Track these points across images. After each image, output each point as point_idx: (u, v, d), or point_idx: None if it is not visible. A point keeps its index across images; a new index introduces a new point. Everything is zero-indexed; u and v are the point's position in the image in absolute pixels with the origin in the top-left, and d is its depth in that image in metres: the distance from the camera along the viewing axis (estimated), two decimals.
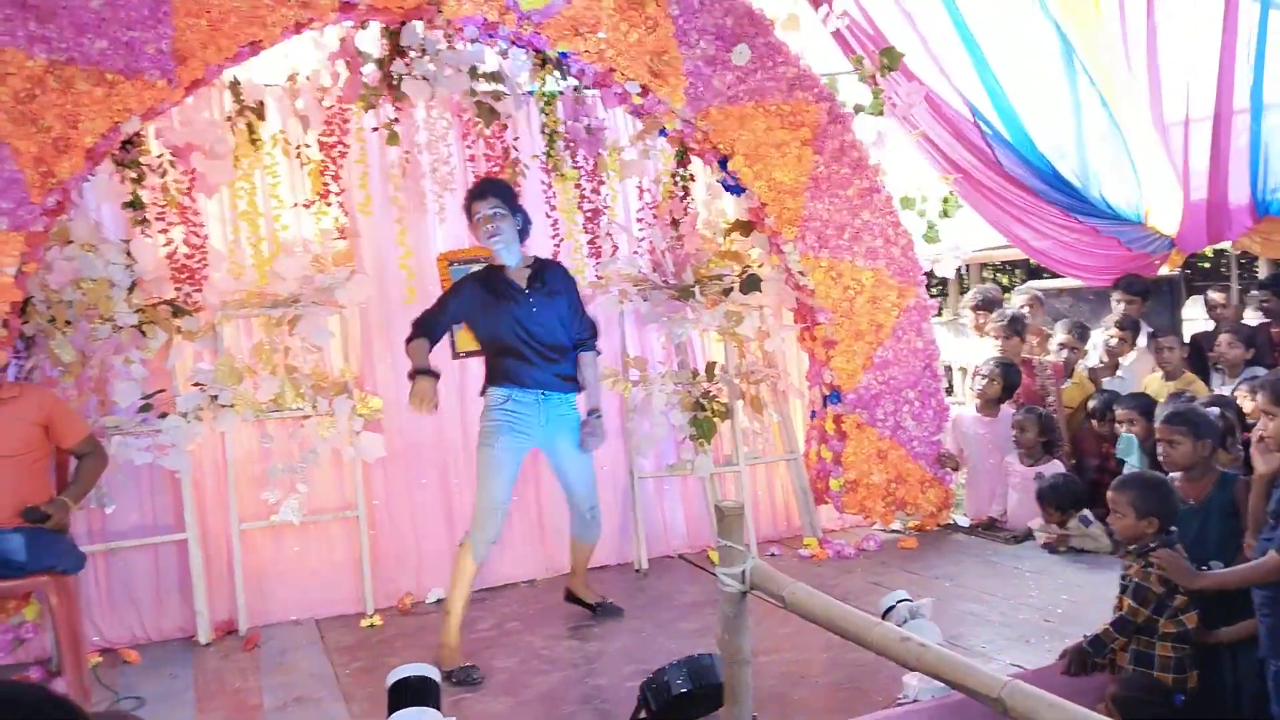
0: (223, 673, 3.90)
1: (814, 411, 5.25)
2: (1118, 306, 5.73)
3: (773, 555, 5.00)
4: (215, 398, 4.22)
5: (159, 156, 4.24)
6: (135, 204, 4.19)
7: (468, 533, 3.82)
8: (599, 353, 4.08)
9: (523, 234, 3.93)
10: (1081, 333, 5.60)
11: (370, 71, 4.41)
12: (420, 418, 4.61)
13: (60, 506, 3.54)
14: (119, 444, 4.08)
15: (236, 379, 4.27)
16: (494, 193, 3.84)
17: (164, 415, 4.16)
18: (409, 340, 3.84)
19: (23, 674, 3.79)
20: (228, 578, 4.35)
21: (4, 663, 3.81)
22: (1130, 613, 2.99)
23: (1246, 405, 4.09)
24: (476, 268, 4.38)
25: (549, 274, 3.94)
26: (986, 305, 6.05)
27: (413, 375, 3.70)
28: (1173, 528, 3.10)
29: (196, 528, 4.26)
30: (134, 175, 4.18)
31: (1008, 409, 5.36)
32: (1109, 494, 3.21)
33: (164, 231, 4.27)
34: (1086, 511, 4.61)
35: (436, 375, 3.73)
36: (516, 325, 3.81)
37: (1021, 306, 6.10)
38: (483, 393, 3.95)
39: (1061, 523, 4.65)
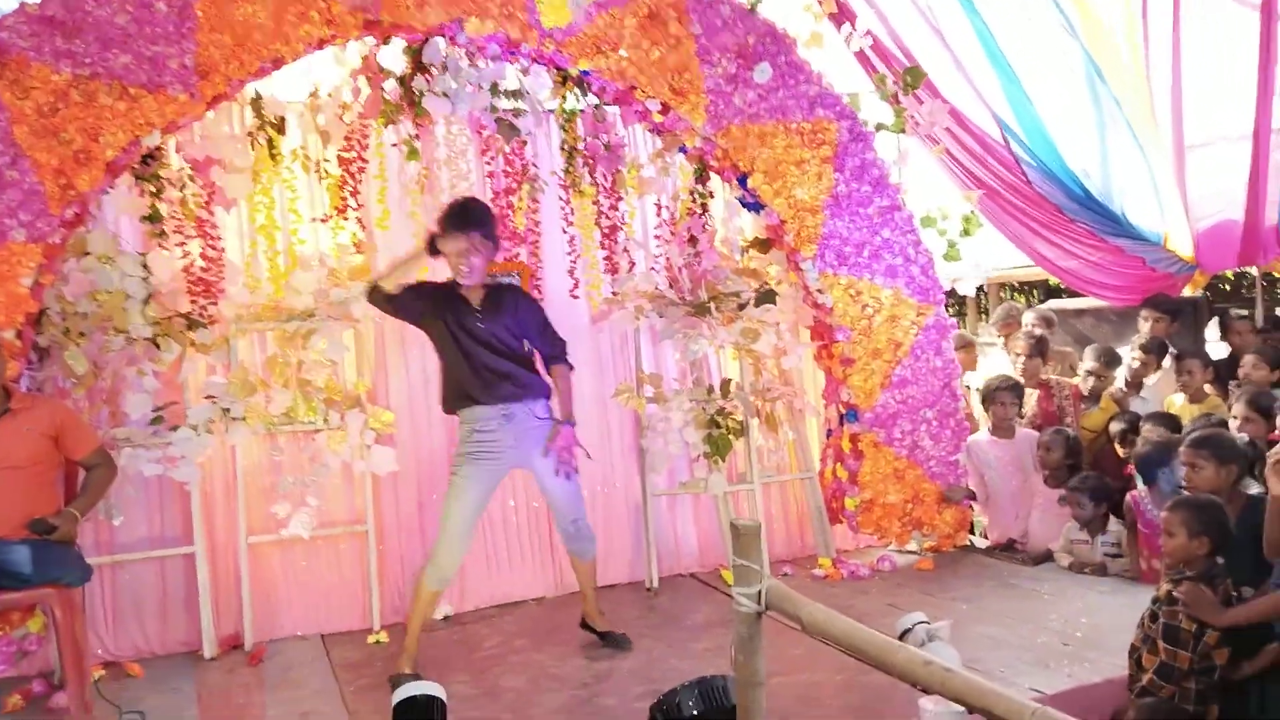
0: (227, 688, 3.86)
1: (830, 430, 5.20)
2: (1144, 325, 5.66)
3: (786, 575, 4.94)
4: (227, 410, 4.21)
5: (179, 170, 4.25)
6: (153, 217, 4.19)
7: (428, 559, 3.85)
8: (571, 367, 4.03)
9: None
10: (1110, 359, 5.51)
11: (391, 88, 4.41)
12: (431, 434, 4.63)
13: (68, 518, 3.51)
14: (129, 456, 4.06)
15: (249, 392, 4.25)
16: (477, 225, 3.78)
17: (175, 428, 4.14)
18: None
19: (25, 687, 3.77)
20: (234, 592, 4.32)
21: (7, 675, 3.79)
22: (1170, 657, 2.92)
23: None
24: (505, 281, 4.42)
25: (503, 296, 3.96)
26: (1046, 323, 6.10)
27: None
28: (1219, 558, 3.03)
29: (204, 541, 4.24)
30: (153, 189, 4.18)
31: (1023, 430, 5.31)
32: (1162, 515, 3.16)
33: (181, 245, 4.27)
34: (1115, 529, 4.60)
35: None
36: (463, 334, 3.83)
37: (1033, 326, 6.06)
38: (447, 409, 3.97)
39: (1090, 520, 4.63)
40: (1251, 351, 5.00)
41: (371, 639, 4.30)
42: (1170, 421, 4.64)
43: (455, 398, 3.90)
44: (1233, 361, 5.28)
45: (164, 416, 4.16)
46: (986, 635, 3.89)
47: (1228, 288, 10.27)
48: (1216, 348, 5.87)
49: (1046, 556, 4.84)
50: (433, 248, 3.85)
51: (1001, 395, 5.26)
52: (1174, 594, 2.96)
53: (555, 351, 3.98)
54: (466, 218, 3.79)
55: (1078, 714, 1.64)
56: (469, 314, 3.86)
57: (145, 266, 4.16)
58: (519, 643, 4.21)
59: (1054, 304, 7.03)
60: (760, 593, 2.23)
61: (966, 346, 6.06)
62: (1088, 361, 5.57)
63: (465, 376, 3.84)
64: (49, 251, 3.80)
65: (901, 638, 3.13)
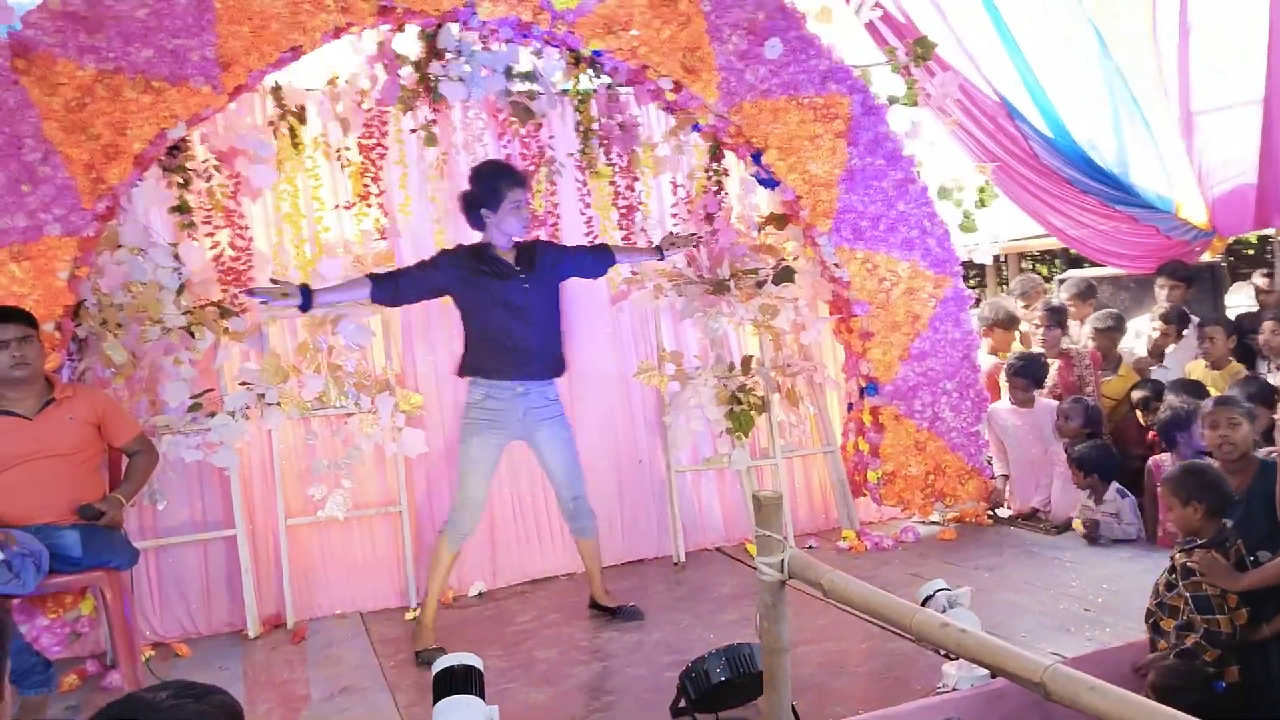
0: (271, 665, 3.99)
1: (851, 404, 5.25)
2: (1161, 293, 5.66)
3: (810, 548, 5.01)
4: (262, 396, 4.32)
5: (204, 161, 4.35)
6: (182, 208, 4.29)
7: (445, 522, 4.00)
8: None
9: None
10: (1116, 323, 5.53)
11: (408, 74, 4.48)
12: (459, 415, 4.72)
13: (114, 503, 3.63)
14: (169, 442, 4.19)
15: (282, 378, 4.36)
16: (528, 184, 4.04)
17: (212, 414, 4.26)
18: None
19: (80, 667, 3.91)
20: (275, 572, 4.45)
21: (61, 656, 3.92)
22: (1211, 625, 2.94)
23: None
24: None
25: (536, 255, 3.99)
26: (1084, 293, 6.01)
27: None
28: (1226, 520, 3.06)
29: (245, 524, 4.36)
30: (180, 180, 4.28)
31: (1043, 399, 5.34)
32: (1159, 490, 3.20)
33: (210, 235, 4.37)
34: (1118, 489, 4.64)
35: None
36: (507, 302, 3.85)
37: (1055, 296, 6.07)
38: (460, 373, 4.01)
39: (1091, 488, 4.67)
40: (1270, 317, 5.01)
41: (409, 616, 4.42)
42: (1194, 388, 4.66)
43: (474, 366, 3.94)
44: (1257, 323, 5.29)
45: (202, 404, 4.28)
46: (1008, 602, 3.96)
47: (1251, 252, 10.19)
48: (1238, 313, 5.86)
49: (1068, 525, 4.89)
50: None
51: (1021, 373, 5.27)
52: (1189, 564, 3.00)
53: (602, 253, 4.22)
54: (524, 177, 4.03)
55: (1097, 677, 1.68)
56: (509, 274, 3.88)
57: (177, 257, 4.27)
58: (551, 617, 4.31)
59: (1072, 273, 7.01)
60: (783, 561, 2.30)
61: (1009, 323, 5.83)
62: (1088, 326, 5.59)
63: (491, 350, 3.88)
64: (83, 245, 3.90)
65: (923, 605, 3.19)
